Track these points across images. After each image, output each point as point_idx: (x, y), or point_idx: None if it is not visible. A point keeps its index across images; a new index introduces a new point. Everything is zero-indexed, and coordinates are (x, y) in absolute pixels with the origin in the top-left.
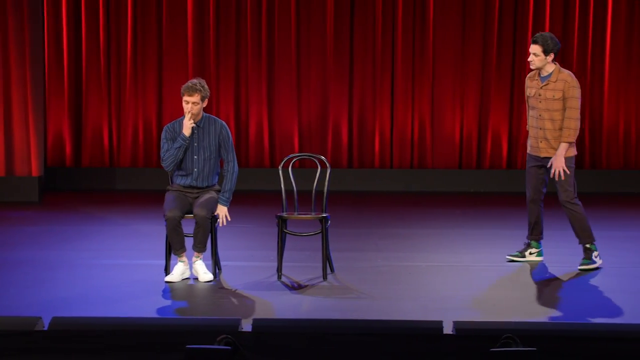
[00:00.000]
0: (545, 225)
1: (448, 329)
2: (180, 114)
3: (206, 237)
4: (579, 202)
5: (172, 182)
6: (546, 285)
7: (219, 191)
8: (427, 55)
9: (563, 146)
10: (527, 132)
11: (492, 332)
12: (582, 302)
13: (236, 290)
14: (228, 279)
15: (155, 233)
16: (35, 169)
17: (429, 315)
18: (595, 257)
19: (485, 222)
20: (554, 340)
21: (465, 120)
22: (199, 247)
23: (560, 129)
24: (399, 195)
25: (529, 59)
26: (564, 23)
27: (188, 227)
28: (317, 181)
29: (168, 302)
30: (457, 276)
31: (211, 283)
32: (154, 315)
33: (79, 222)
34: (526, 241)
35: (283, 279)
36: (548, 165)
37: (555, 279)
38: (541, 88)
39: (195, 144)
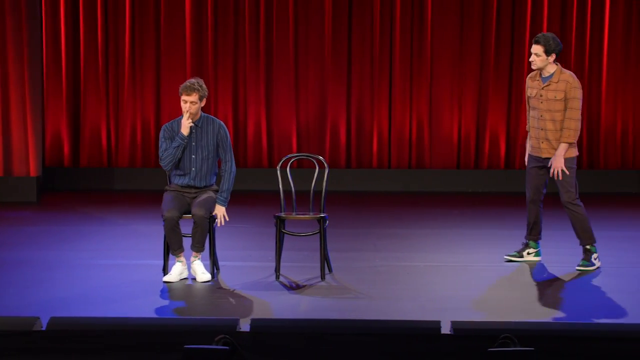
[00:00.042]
0: (546, 226)
1: (446, 329)
2: (179, 114)
3: (204, 237)
4: (581, 203)
5: (170, 182)
6: (544, 285)
7: (216, 191)
8: (425, 56)
9: (563, 146)
10: (527, 132)
11: (490, 332)
12: (580, 302)
13: (234, 290)
14: (226, 279)
15: (153, 233)
16: (34, 169)
17: (427, 315)
18: (594, 259)
19: (483, 222)
20: (552, 340)
21: (463, 120)
22: (197, 247)
23: (562, 129)
24: (397, 196)
25: (530, 59)
26: (562, 23)
27: (186, 227)
28: (315, 181)
29: (166, 302)
30: (455, 276)
31: (209, 283)
32: (152, 315)
33: (77, 222)
34: (524, 241)
35: (281, 279)
36: (548, 165)
37: (553, 279)
38: (542, 89)
39: (194, 144)
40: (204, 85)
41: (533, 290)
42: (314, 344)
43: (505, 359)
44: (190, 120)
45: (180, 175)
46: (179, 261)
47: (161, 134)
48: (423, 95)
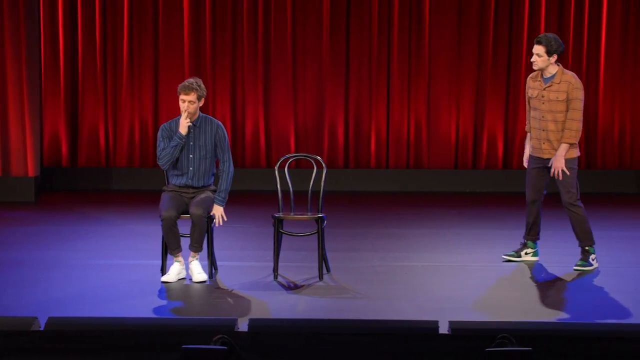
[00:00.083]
0: (545, 226)
1: (444, 329)
2: (177, 114)
3: (202, 237)
4: (582, 205)
5: (168, 183)
6: (542, 285)
7: (214, 191)
8: (423, 56)
9: (563, 147)
10: (526, 132)
11: (488, 332)
12: (578, 302)
13: (232, 290)
14: (224, 279)
15: (151, 233)
16: (32, 169)
17: (424, 315)
18: (592, 260)
19: (481, 222)
20: (550, 340)
21: (461, 120)
22: (195, 247)
23: (563, 130)
24: (395, 196)
25: (531, 60)
26: (559, 23)
27: (184, 227)
28: (313, 181)
29: (164, 302)
30: (453, 276)
31: (205, 283)
32: (150, 315)
33: (75, 222)
34: (522, 241)
35: (279, 279)
36: (549, 165)
37: (551, 279)
38: (544, 89)
39: (191, 143)
40: (202, 85)
41: (531, 290)
42: (312, 343)
43: (503, 359)
44: (188, 120)
45: (178, 175)
46: (177, 261)
47: (159, 134)
48: (421, 95)
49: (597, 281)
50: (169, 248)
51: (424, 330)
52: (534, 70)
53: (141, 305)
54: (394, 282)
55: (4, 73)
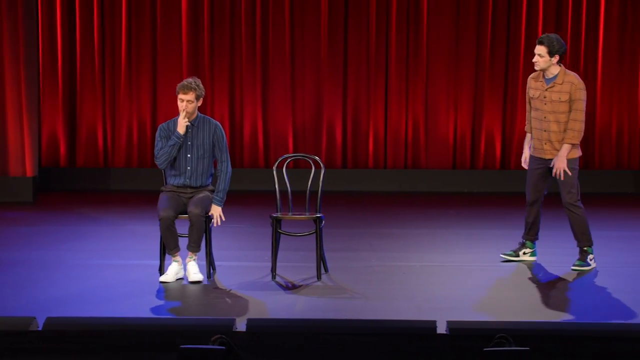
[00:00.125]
0: (544, 226)
1: (442, 329)
2: (175, 114)
3: (200, 237)
4: (582, 205)
5: (166, 183)
6: (540, 285)
7: (212, 191)
8: (421, 56)
9: (566, 147)
10: (525, 132)
11: (486, 332)
12: (576, 302)
13: (230, 290)
14: (222, 279)
15: (149, 233)
16: (30, 169)
17: (422, 315)
18: (590, 260)
19: (479, 222)
20: (547, 340)
21: (459, 120)
22: (193, 247)
23: (566, 130)
24: (392, 196)
25: (533, 60)
26: (557, 23)
27: (182, 227)
28: (311, 181)
29: (162, 302)
30: (451, 276)
31: (203, 283)
32: (149, 315)
33: (74, 223)
34: (521, 241)
35: (277, 279)
36: (551, 166)
37: (550, 279)
38: (546, 90)
39: (189, 143)
40: (201, 85)
41: (529, 290)
42: (310, 343)
43: (501, 359)
44: (186, 119)
45: (175, 175)
46: (175, 261)
47: (157, 134)
48: (419, 95)
49: (595, 281)
50: (167, 248)
51: (422, 330)
52: (534, 71)
53: (139, 305)
54: (392, 282)
55: (2, 73)
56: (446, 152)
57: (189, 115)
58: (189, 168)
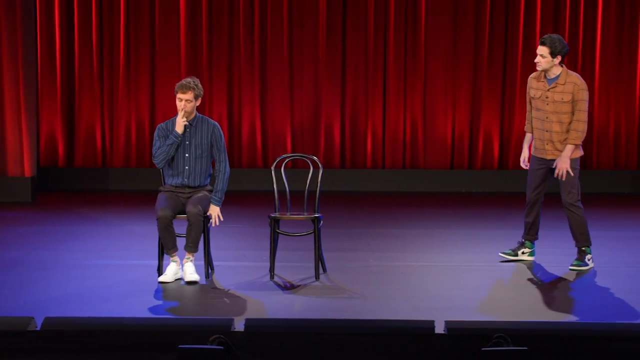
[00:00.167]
0: (543, 225)
1: (440, 329)
2: (173, 114)
3: (198, 236)
4: (582, 206)
5: (164, 183)
6: (539, 285)
7: (211, 191)
8: (419, 56)
9: (569, 148)
10: (524, 132)
11: (484, 332)
12: (574, 302)
13: (229, 290)
14: (221, 279)
15: (148, 233)
16: (28, 169)
17: (420, 314)
18: (588, 260)
19: (477, 222)
20: (545, 339)
21: (457, 120)
22: (191, 247)
23: (568, 131)
24: (391, 196)
25: (535, 60)
26: (555, 23)
27: (181, 228)
28: (310, 181)
29: (160, 303)
30: (449, 276)
31: (201, 284)
32: (147, 315)
33: (72, 223)
34: (521, 240)
35: (275, 279)
36: (553, 166)
37: (548, 279)
38: (548, 90)
39: (187, 142)
40: (199, 85)
41: (527, 290)
42: (308, 343)
43: (499, 359)
44: (185, 119)
45: (174, 175)
46: (173, 261)
47: (156, 133)
48: (417, 95)
49: (594, 281)
50: (165, 248)
51: (420, 330)
52: (532, 70)
53: (137, 305)
54: (390, 282)
55: (0, 73)
56: (444, 152)
57: (187, 114)
58: (186, 167)
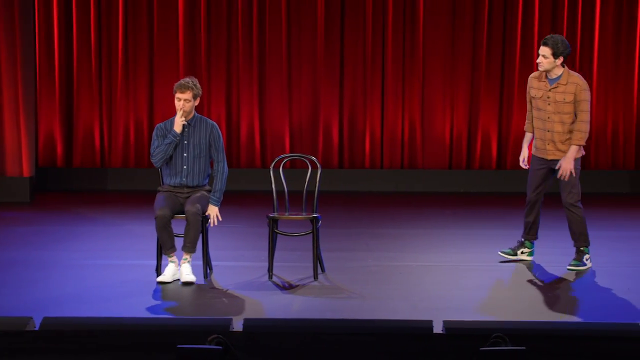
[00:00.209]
0: (543, 226)
1: (438, 328)
2: (172, 114)
3: (197, 237)
4: (581, 206)
5: (162, 183)
6: (537, 285)
7: (209, 191)
8: (417, 56)
9: (573, 149)
10: (523, 131)
11: (482, 332)
12: (573, 302)
13: (227, 290)
14: (219, 279)
15: (146, 233)
16: (27, 170)
17: (419, 314)
18: (587, 260)
19: (475, 222)
20: (543, 339)
21: (455, 120)
22: (189, 247)
23: (570, 132)
24: (389, 196)
25: (537, 61)
26: (553, 24)
27: (179, 228)
28: (308, 181)
29: (159, 302)
30: (448, 276)
31: (198, 284)
32: (146, 315)
33: (71, 223)
34: (520, 240)
35: (274, 279)
36: (557, 167)
37: (547, 279)
38: (550, 90)
39: (186, 142)
40: (198, 84)
41: (526, 290)
42: (306, 343)
43: (497, 358)
44: (183, 118)
45: (172, 174)
46: (172, 261)
47: (154, 133)
48: (415, 95)
49: (592, 281)
50: (163, 247)
51: (419, 330)
52: (530, 70)
53: (136, 305)
54: (389, 281)
55: None
56: (442, 152)
57: (186, 114)
58: (185, 167)
